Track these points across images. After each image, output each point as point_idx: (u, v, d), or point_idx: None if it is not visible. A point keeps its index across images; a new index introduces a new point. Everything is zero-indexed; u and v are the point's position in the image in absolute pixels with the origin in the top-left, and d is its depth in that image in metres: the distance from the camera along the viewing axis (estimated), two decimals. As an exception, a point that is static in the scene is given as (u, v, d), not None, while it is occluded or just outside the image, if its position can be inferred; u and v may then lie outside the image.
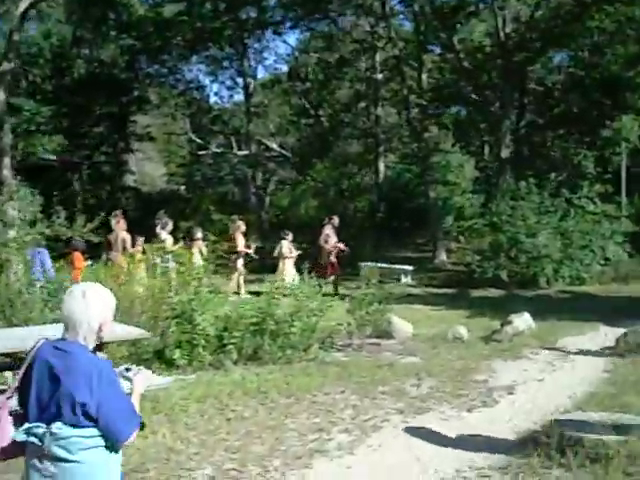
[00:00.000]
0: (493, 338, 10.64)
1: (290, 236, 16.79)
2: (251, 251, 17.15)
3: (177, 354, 8.67)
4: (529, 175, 20.84)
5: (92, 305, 3.07)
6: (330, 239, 17.14)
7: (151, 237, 14.31)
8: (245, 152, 37.13)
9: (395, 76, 27.16)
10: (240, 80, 36.99)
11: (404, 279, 20.78)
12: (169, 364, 8.65)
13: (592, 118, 25.76)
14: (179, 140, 45.11)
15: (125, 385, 3.27)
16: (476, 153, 31.71)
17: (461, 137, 31.94)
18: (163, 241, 14.02)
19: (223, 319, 9.38)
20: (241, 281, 16.22)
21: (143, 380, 3.38)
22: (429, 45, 25.80)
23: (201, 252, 14.37)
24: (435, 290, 19.11)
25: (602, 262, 20.02)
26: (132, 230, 15.30)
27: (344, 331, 10.49)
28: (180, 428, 6.50)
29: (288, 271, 15.78)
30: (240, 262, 16.43)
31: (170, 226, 15.51)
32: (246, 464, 5.77)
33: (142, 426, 3.17)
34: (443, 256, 24.92)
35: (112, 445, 3.04)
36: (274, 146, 40.43)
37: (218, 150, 42.49)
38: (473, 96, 25.11)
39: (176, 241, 14.55)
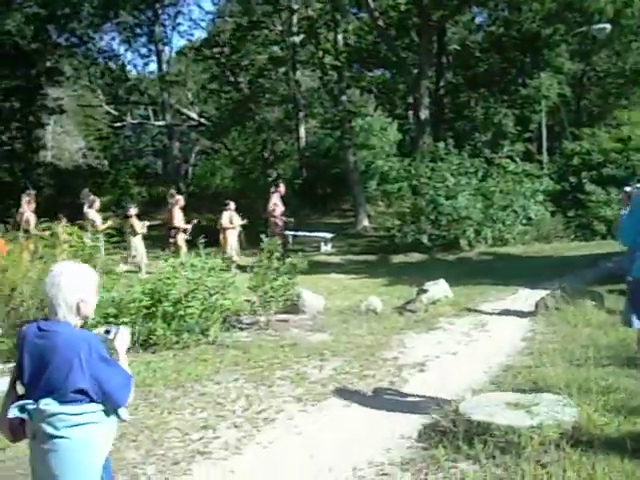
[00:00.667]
0: (407, 309, 10.01)
1: (232, 205, 15.80)
2: (189, 227, 15.94)
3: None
4: (449, 136, 20.34)
5: (66, 284, 3.09)
6: (277, 208, 16.22)
7: (74, 216, 13.24)
8: (162, 122, 35.90)
9: (311, 38, 26.14)
10: (153, 47, 35.48)
11: (324, 247, 20.15)
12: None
13: (511, 77, 25.40)
14: (96, 112, 43.29)
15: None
16: (400, 116, 31.11)
17: (385, 100, 31.29)
18: (92, 221, 13.26)
19: (112, 304, 8.46)
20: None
21: (124, 339, 3.38)
22: (344, 4, 24.85)
23: (134, 230, 14.09)
24: (355, 257, 18.56)
25: (524, 222, 19.74)
26: (49, 208, 14.24)
27: (250, 309, 9.68)
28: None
29: (230, 243, 15.06)
30: (181, 238, 15.33)
31: (97, 204, 14.31)
32: (114, 474, 4.95)
33: None
34: (365, 222, 24.37)
35: (114, 411, 3.14)
36: (193, 115, 39.28)
37: (135, 121, 41.11)
38: (391, 57, 24.39)
39: (105, 219, 13.88)
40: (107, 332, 3.34)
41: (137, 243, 14.39)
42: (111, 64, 37.09)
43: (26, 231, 13.33)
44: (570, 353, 7.15)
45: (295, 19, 27.60)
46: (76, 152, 47.39)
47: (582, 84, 30.33)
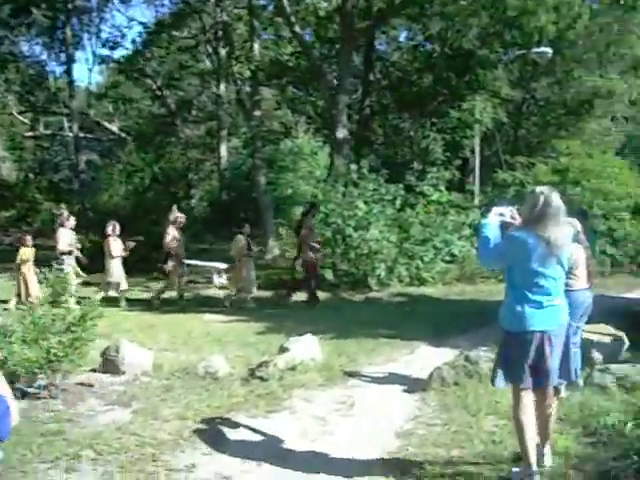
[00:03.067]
0: (257, 374, 7.33)
1: (247, 229, 14.10)
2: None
3: None
4: (361, 157, 17.93)
5: None
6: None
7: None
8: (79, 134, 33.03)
9: (225, 46, 23.54)
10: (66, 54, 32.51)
11: (216, 279, 17.42)
12: None
13: (443, 98, 23.17)
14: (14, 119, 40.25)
15: None
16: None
17: (320, 124, 28.92)
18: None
19: None
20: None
21: None
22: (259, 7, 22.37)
23: (110, 251, 13.40)
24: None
25: (447, 259, 17.32)
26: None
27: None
28: None
29: (243, 275, 13.84)
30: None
31: (72, 222, 13.16)
32: None
33: None
34: (276, 251, 21.74)
35: None
36: (114, 128, 36.69)
37: (47, 132, 38.19)
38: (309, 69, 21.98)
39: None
40: None
41: (113, 267, 13.43)
42: (29, 69, 34.14)
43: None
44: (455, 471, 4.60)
45: (208, 23, 25.00)
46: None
47: (521, 112, 28.43)
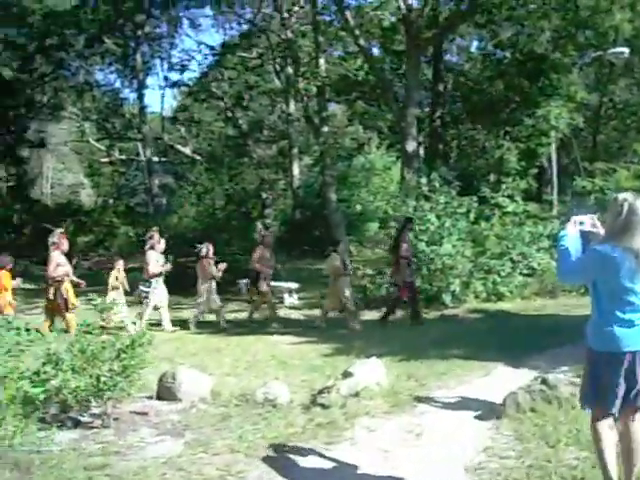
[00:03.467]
0: (319, 402, 6.91)
1: (342, 246, 14.33)
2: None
3: None
4: (433, 170, 17.37)
5: None
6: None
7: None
8: (156, 158, 33.62)
9: (291, 63, 23.35)
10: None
11: (288, 299, 17.22)
12: None
13: (516, 106, 22.38)
14: (80, 147, 41.42)
15: None
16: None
17: (393, 139, 28.55)
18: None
19: None
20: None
21: None
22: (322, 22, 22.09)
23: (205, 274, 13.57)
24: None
25: (525, 272, 16.56)
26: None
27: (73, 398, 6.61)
28: None
29: (341, 291, 13.36)
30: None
31: (162, 245, 13.44)
32: None
33: None
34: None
35: None
36: (187, 151, 37.17)
37: (123, 157, 38.99)
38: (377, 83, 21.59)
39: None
40: None
41: (207, 289, 13.54)
42: (104, 97, 35.06)
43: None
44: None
45: (274, 42, 24.87)
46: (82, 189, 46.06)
47: (599, 116, 27.35)
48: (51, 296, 11.41)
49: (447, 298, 15.01)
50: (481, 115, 23.11)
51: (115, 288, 13.27)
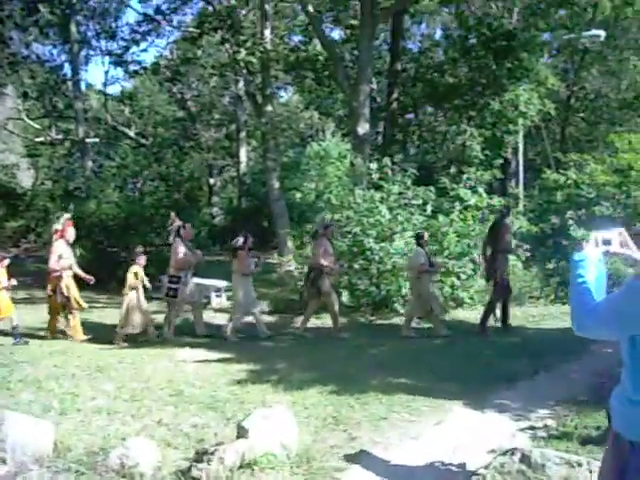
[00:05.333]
0: (192, 475, 4.72)
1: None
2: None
3: None
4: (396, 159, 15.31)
5: None
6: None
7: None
8: (93, 140, 31.18)
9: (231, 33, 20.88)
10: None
11: (215, 299, 14.98)
12: None
13: (482, 88, 20.32)
14: (23, 126, 38.87)
15: None
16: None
17: (344, 123, 26.58)
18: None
19: None
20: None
21: None
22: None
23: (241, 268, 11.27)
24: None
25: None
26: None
27: None
28: None
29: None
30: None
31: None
32: None
33: None
34: (291, 265, 19.05)
35: None
36: (131, 134, 34.90)
37: (59, 137, 36.42)
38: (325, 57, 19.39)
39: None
40: None
41: (243, 286, 11.39)
42: (45, 72, 32.34)
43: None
44: None
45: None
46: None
47: (568, 106, 25.49)
48: (49, 292, 10.60)
49: (398, 304, 12.94)
50: (443, 98, 21.06)
51: (133, 288, 10.92)
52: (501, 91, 19.14)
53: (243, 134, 31.79)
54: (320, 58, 20.42)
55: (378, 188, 14.33)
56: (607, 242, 2.82)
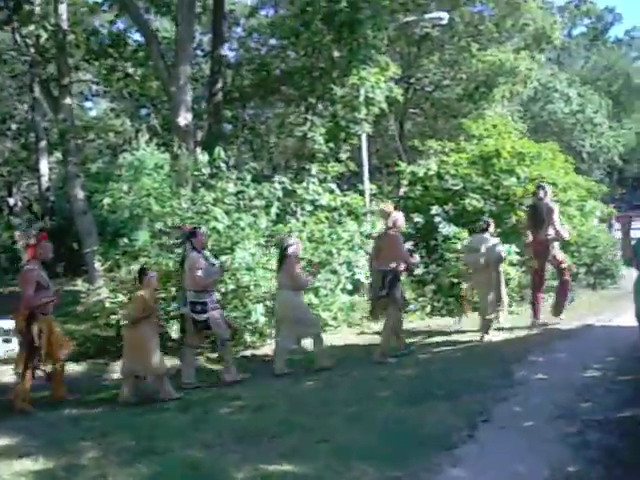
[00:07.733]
0: None
1: None
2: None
3: None
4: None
5: None
6: None
7: None
8: None
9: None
10: None
11: (2, 347, 11.42)
12: None
13: (322, 73, 17.92)
14: None
15: None
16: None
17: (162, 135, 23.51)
18: None
19: None
20: None
21: None
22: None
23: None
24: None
25: (350, 289, 12.08)
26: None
27: None
28: None
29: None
30: None
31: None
32: None
33: None
34: (104, 293, 15.52)
35: None
36: None
37: None
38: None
39: None
40: None
41: None
42: None
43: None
44: None
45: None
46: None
47: (406, 99, 23.71)
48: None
49: (246, 333, 10.15)
50: (276, 86, 18.57)
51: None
52: (343, 76, 16.84)
53: (43, 143, 27.97)
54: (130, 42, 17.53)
55: (210, 187, 11.54)
56: None
